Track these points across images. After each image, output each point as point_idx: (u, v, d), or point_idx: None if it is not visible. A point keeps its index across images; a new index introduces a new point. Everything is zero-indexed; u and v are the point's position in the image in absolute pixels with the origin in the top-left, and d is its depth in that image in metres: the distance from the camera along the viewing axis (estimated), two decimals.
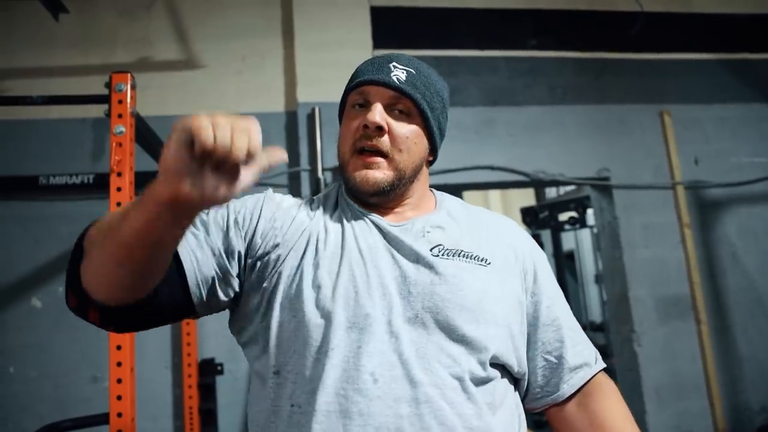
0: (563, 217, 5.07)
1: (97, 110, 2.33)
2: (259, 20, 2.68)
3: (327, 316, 0.81)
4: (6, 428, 2.21)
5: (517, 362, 0.89)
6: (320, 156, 2.43)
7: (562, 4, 2.97)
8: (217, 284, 0.86)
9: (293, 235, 0.89)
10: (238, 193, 0.65)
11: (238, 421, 2.32)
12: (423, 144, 0.95)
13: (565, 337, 0.93)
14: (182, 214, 0.66)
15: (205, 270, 0.84)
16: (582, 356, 0.94)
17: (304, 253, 0.87)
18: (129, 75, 1.49)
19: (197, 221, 0.87)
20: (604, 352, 4.44)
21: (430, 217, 0.94)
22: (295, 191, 2.51)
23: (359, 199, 0.94)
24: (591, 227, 4.91)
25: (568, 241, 5.37)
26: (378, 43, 2.67)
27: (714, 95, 2.98)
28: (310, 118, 2.46)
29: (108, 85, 1.49)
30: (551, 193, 5.71)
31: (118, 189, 1.44)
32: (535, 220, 5.14)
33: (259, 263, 0.88)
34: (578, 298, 5.26)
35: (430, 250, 0.88)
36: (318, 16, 2.64)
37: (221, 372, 2.34)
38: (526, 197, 6.17)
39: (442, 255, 0.87)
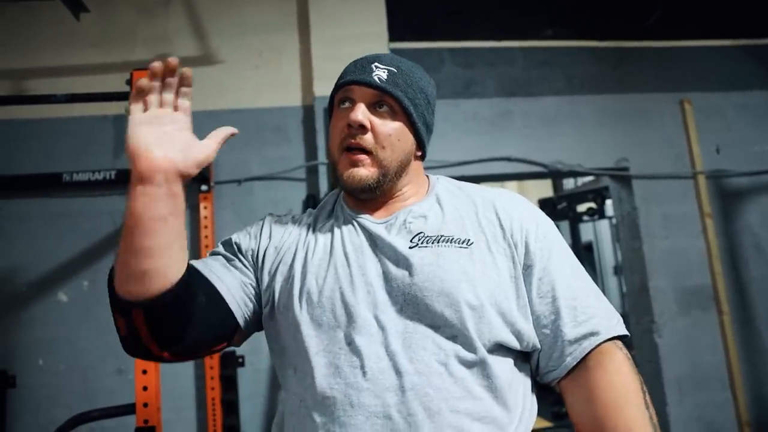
0: (581, 208, 5.02)
1: (117, 107, 2.39)
2: (275, 16, 2.70)
3: (316, 320, 0.87)
4: (37, 418, 2.27)
5: (517, 338, 0.88)
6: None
7: None
8: (250, 300, 0.96)
9: (286, 247, 0.97)
10: (185, 115, 0.81)
11: (260, 411, 2.36)
12: (408, 140, 0.97)
13: (562, 308, 0.89)
14: (165, 179, 0.76)
15: (235, 290, 0.94)
16: (586, 326, 0.88)
17: (292, 262, 0.94)
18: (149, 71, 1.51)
19: (219, 252, 1.00)
20: (624, 343, 4.41)
21: (414, 207, 0.97)
22: (313, 184, 2.53)
23: (352, 195, 0.98)
24: (610, 218, 4.86)
25: (586, 232, 5.33)
26: (394, 36, 2.66)
27: (736, 82, 2.93)
28: (327, 111, 2.47)
29: (129, 82, 1.51)
30: (569, 184, 5.66)
31: None
32: (553, 211, 5.10)
33: (266, 277, 0.96)
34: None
35: (410, 240, 0.91)
36: (333, 10, 2.64)
37: (242, 364, 2.37)
38: (544, 189, 6.12)
39: (422, 243, 0.90)
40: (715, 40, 2.99)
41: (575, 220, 5.10)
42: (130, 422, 1.51)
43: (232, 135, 0.87)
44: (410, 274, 0.87)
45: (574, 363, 0.88)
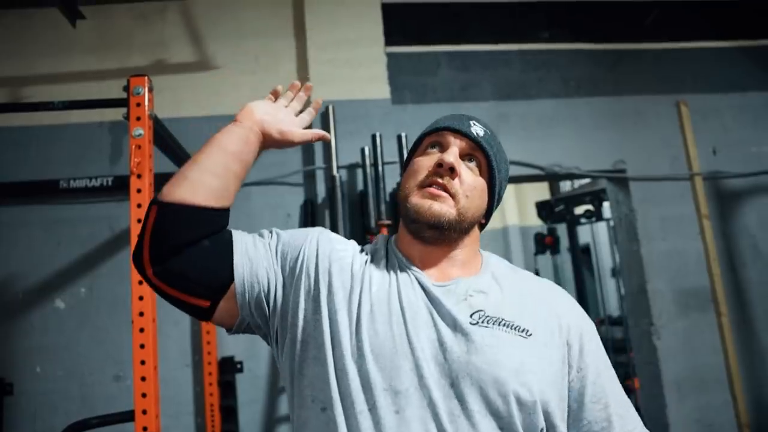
0: (579, 210, 5.03)
1: (113, 114, 2.38)
2: (271, 20, 2.70)
3: (364, 374, 0.82)
4: (35, 425, 2.26)
5: None
6: (335, 154, 2.44)
7: None
8: (259, 282, 0.91)
9: (340, 279, 0.91)
10: (300, 120, 1.07)
11: (258, 417, 2.35)
12: (485, 200, 0.96)
13: (613, 415, 0.89)
14: (249, 127, 0.98)
15: (252, 258, 0.92)
16: None
17: (349, 298, 0.88)
18: (146, 78, 1.51)
19: (261, 235, 0.98)
20: (623, 346, 4.41)
21: (475, 280, 0.92)
22: (310, 189, 2.53)
23: (412, 232, 0.94)
24: (607, 220, 4.87)
25: (584, 234, 5.33)
26: (390, 40, 2.67)
27: (733, 84, 2.94)
28: (324, 116, 2.47)
29: (126, 88, 1.51)
30: (565, 186, 5.66)
31: (138, 191, 1.46)
32: (551, 213, 5.11)
33: (305, 287, 0.91)
34: (595, 292, 5.22)
35: (470, 315, 0.86)
36: (329, 14, 2.65)
37: (241, 370, 2.37)
38: (540, 191, 6.12)
39: (482, 322, 0.86)
40: (711, 41, 3.00)
41: (573, 222, 5.10)
42: (129, 429, 1.50)
43: (324, 139, 1.08)
44: (468, 351, 0.83)
45: None
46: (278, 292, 0.92)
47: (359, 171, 2.49)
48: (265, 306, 0.92)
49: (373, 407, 0.81)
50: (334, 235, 0.99)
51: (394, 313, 0.86)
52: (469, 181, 0.92)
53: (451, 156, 0.91)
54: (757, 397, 2.62)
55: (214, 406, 2.30)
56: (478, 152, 0.94)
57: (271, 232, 0.98)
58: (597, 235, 5.28)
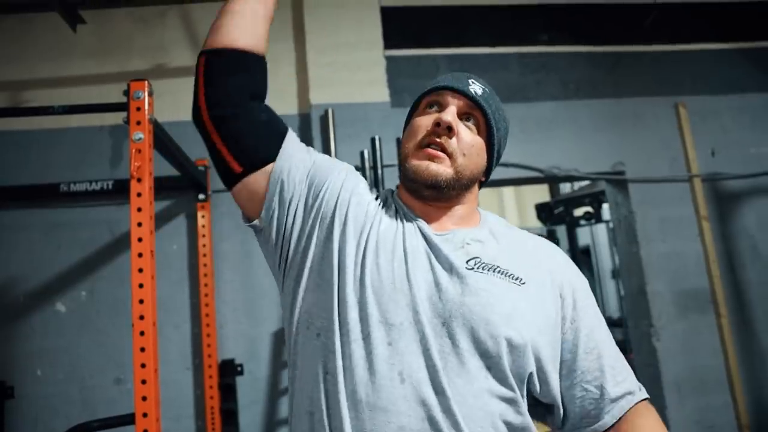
0: (578, 212, 5.03)
1: (114, 118, 2.40)
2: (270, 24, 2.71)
3: (362, 305, 0.85)
4: (36, 428, 2.26)
5: (539, 386, 0.88)
6: (334, 157, 2.44)
7: None
8: (290, 184, 0.95)
9: (355, 213, 0.94)
10: None
11: (259, 419, 2.35)
12: (483, 158, 0.98)
13: (605, 366, 0.92)
14: None
15: (295, 157, 0.97)
16: (623, 386, 0.92)
17: (360, 232, 0.91)
18: (146, 82, 1.52)
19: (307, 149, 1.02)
20: (623, 347, 4.40)
21: (472, 231, 0.96)
22: None
23: (411, 190, 0.97)
24: (607, 222, 4.87)
25: (584, 236, 5.33)
26: (389, 43, 2.68)
27: (732, 85, 2.95)
28: (323, 119, 2.48)
29: (126, 92, 1.52)
30: (565, 188, 5.67)
31: (139, 194, 1.47)
32: (550, 216, 5.11)
33: (317, 222, 0.94)
34: (595, 293, 5.19)
35: (466, 261, 0.89)
36: (328, 18, 2.65)
37: (241, 373, 2.37)
38: (540, 193, 6.13)
39: (477, 268, 0.89)
40: (709, 43, 3.01)
41: (572, 224, 5.11)
42: None
43: None
44: (462, 293, 0.85)
45: (614, 421, 0.91)
46: (298, 208, 0.95)
47: None
48: (285, 215, 0.94)
49: (367, 337, 0.83)
50: (360, 177, 1.03)
51: (397, 253, 0.89)
52: (467, 139, 0.94)
53: (449, 115, 0.93)
54: (758, 399, 2.62)
55: (214, 409, 2.30)
56: (476, 111, 0.95)
57: (308, 150, 1.02)
58: (596, 237, 5.28)
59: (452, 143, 0.93)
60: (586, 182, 4.81)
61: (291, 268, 0.94)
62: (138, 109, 1.50)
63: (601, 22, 2.96)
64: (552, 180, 2.96)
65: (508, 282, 0.89)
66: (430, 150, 0.93)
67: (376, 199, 1.00)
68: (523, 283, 0.90)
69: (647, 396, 0.95)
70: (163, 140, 1.73)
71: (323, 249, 0.91)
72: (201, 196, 2.42)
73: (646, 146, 2.81)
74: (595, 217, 4.89)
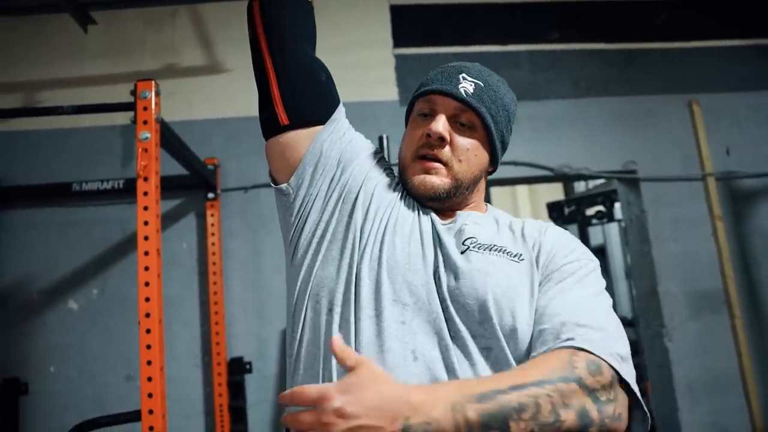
0: (590, 211, 4.98)
1: (124, 117, 2.41)
2: None
3: (378, 282, 0.85)
4: (51, 424, 2.29)
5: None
6: None
7: None
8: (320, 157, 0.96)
9: (380, 193, 0.96)
10: None
11: (268, 417, 2.37)
12: (484, 156, 0.97)
13: (567, 323, 0.81)
14: None
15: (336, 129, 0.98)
16: (567, 336, 0.78)
17: (383, 211, 0.93)
18: (153, 82, 1.53)
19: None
20: (634, 347, 4.35)
21: (475, 214, 0.97)
22: None
23: (416, 199, 0.98)
24: (619, 221, 4.82)
25: (596, 236, 5.28)
26: (398, 42, 2.67)
27: (745, 83, 2.89)
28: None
29: (133, 92, 1.53)
30: (579, 187, 5.62)
31: (145, 193, 1.48)
32: (562, 215, 5.07)
33: (342, 195, 0.95)
34: (608, 293, 5.16)
35: (463, 242, 0.90)
36: (337, 17, 2.65)
37: (250, 370, 2.38)
38: (555, 192, 6.07)
39: (473, 247, 0.89)
40: (722, 40, 2.96)
41: (584, 223, 5.06)
42: (138, 428, 1.52)
43: None
44: (458, 277, 0.85)
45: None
46: (324, 183, 0.96)
47: None
48: (311, 186, 0.95)
49: (380, 315, 0.83)
50: (385, 160, 1.06)
51: (414, 235, 0.90)
52: (462, 144, 0.94)
53: (439, 125, 0.92)
54: None
55: (223, 407, 2.31)
56: (469, 111, 0.94)
57: (349, 126, 1.03)
58: (609, 236, 5.22)
59: (445, 152, 0.93)
60: (600, 181, 4.76)
61: (306, 240, 0.95)
62: (145, 108, 1.52)
63: (613, 20, 2.92)
64: (562, 179, 2.93)
65: (506, 259, 0.89)
66: (424, 162, 0.94)
67: (398, 184, 1.02)
68: (522, 259, 0.89)
69: (601, 355, 0.77)
70: (170, 139, 1.75)
71: (345, 224, 0.92)
72: (210, 195, 2.43)
73: (659, 145, 2.78)
74: (607, 217, 4.84)
